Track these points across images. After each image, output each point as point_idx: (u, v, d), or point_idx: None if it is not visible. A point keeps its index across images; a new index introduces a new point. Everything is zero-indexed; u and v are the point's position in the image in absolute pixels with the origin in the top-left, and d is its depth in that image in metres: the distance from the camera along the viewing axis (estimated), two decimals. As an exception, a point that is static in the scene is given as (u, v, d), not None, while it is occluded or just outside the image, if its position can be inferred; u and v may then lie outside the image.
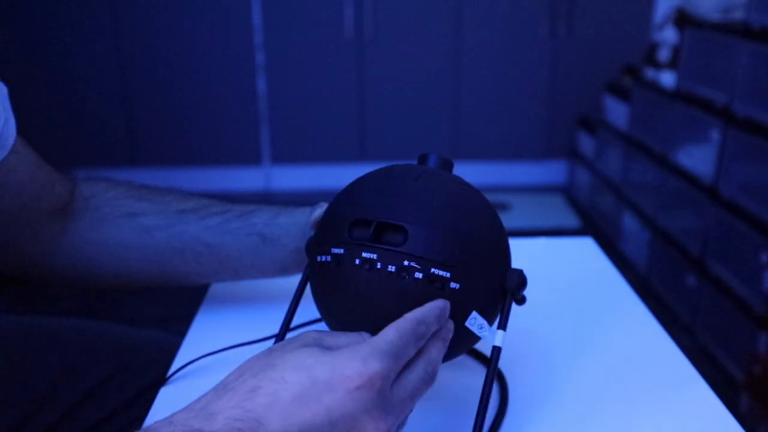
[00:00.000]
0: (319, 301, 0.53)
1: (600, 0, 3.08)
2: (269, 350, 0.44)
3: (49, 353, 0.73)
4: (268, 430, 0.38)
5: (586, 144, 3.03)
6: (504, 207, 2.99)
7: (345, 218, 0.51)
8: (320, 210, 0.61)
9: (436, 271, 0.48)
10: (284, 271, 0.69)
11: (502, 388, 0.61)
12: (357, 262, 0.49)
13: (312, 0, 3.05)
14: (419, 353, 0.46)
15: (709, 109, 2.00)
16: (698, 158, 2.06)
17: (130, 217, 0.67)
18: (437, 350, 0.47)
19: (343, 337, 0.46)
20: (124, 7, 3.01)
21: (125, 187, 0.70)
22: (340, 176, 3.28)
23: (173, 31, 3.05)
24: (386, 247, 0.48)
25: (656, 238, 2.28)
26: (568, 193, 3.23)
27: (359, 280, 0.49)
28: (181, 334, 0.71)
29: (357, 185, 0.54)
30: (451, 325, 0.49)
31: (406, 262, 0.48)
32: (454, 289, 0.49)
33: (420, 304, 0.48)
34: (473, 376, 0.63)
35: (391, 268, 0.48)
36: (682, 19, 2.29)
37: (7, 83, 0.61)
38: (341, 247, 0.50)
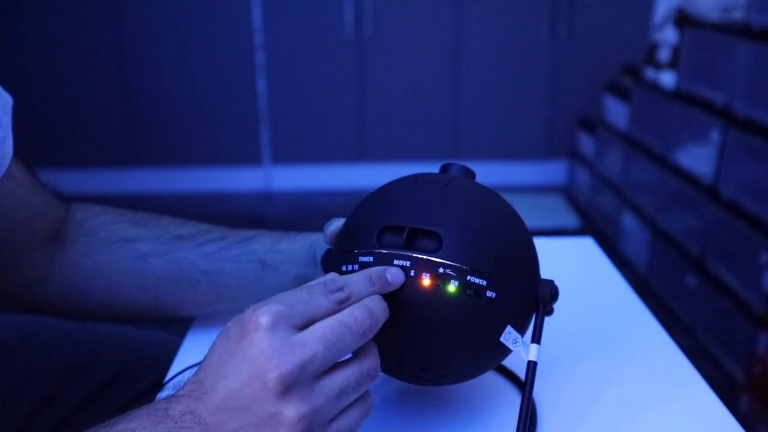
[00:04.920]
0: None
1: (600, 0, 3.09)
2: None
3: (54, 354, 0.73)
4: (206, 387, 0.43)
5: (586, 144, 3.03)
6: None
7: (373, 225, 0.48)
8: (337, 223, 0.57)
9: (473, 279, 0.46)
10: None
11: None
12: None
13: (312, 0, 3.05)
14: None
15: (709, 109, 2.00)
16: (698, 158, 2.06)
17: (125, 243, 0.65)
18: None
19: None
20: (124, 6, 3.01)
21: (119, 212, 0.67)
22: (340, 176, 3.28)
23: (173, 31, 3.05)
24: (420, 254, 0.46)
25: (656, 238, 2.28)
26: (568, 193, 3.23)
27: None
28: (181, 334, 0.71)
29: (381, 193, 0.52)
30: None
31: (441, 270, 0.46)
32: (490, 298, 0.47)
33: (454, 314, 0.47)
34: (486, 383, 0.63)
35: (425, 276, 0.46)
36: (682, 19, 2.29)
37: (7, 83, 0.59)
38: (370, 255, 0.47)
